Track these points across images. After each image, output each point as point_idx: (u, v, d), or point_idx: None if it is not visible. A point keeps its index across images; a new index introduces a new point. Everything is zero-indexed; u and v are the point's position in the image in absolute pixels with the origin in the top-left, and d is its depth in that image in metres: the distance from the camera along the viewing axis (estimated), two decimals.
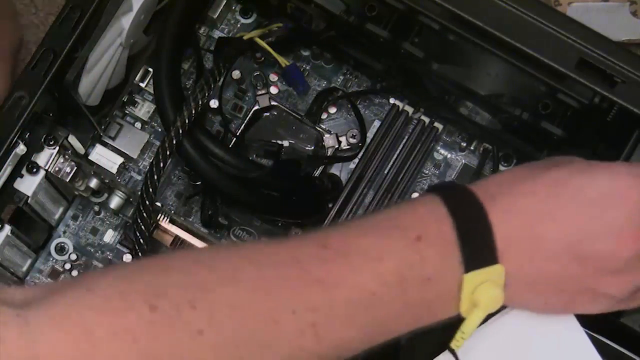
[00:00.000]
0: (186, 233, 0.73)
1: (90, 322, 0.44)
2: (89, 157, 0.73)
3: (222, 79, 0.72)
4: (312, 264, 0.49)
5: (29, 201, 0.68)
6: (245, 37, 0.73)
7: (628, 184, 0.53)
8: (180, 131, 0.67)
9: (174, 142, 0.67)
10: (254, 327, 0.47)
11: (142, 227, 0.67)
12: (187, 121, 0.68)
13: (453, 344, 0.54)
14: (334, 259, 0.49)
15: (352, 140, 0.74)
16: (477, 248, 0.51)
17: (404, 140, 0.74)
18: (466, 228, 0.51)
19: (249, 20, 0.77)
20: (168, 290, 0.46)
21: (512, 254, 0.52)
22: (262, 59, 0.76)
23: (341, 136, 0.74)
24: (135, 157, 0.75)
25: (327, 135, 0.74)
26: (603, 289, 0.54)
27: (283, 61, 0.74)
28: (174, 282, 0.47)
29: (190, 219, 0.75)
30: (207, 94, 0.69)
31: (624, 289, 0.54)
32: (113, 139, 0.74)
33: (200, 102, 0.68)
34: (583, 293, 0.55)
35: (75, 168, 0.69)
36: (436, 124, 0.74)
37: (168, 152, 0.67)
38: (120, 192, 0.74)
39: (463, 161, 0.75)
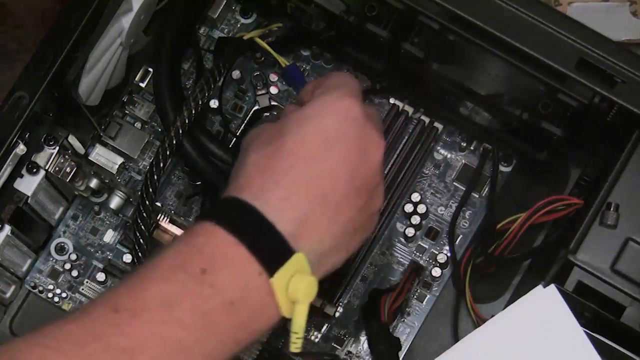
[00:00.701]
0: None
1: None
2: (89, 157, 0.73)
3: (222, 79, 0.72)
4: (112, 334, 0.47)
5: (29, 201, 0.68)
6: (245, 37, 0.73)
7: (346, 105, 0.56)
8: (180, 131, 0.67)
9: (174, 142, 0.67)
10: None
11: (142, 227, 0.67)
12: (187, 121, 0.68)
13: (292, 348, 0.54)
14: (129, 322, 0.48)
15: None
16: (270, 250, 0.51)
17: (404, 140, 0.74)
18: (250, 238, 0.51)
19: (249, 20, 0.77)
20: None
21: (304, 234, 0.53)
22: (262, 59, 0.76)
23: None
24: (135, 157, 0.75)
25: None
26: (377, 205, 0.58)
27: (283, 61, 0.74)
28: None
29: (190, 219, 0.75)
30: (207, 94, 0.69)
31: (383, 192, 0.59)
32: (113, 139, 0.74)
33: (200, 102, 0.68)
34: (367, 221, 0.58)
35: (75, 168, 0.69)
36: (436, 124, 0.74)
37: (168, 152, 0.67)
38: (120, 192, 0.74)
39: (463, 161, 0.75)
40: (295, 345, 0.54)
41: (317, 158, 0.54)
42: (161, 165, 0.67)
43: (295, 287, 0.52)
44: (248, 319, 0.51)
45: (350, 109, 0.56)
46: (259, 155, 0.55)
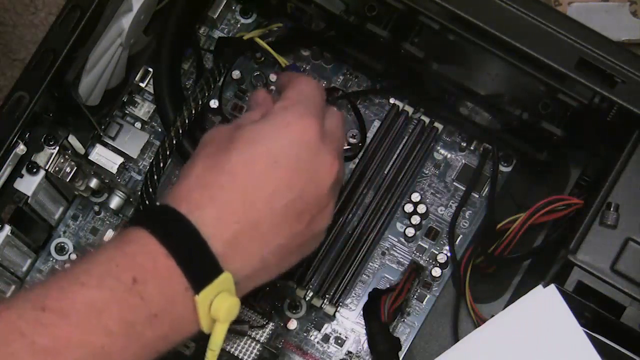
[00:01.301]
0: None
1: None
2: (89, 157, 0.73)
3: (222, 79, 0.72)
4: (36, 332, 0.47)
5: (29, 201, 0.68)
6: (245, 37, 0.73)
7: (301, 128, 0.56)
8: (180, 131, 0.67)
9: (174, 142, 0.67)
10: None
11: None
12: (187, 121, 0.68)
13: None
14: (55, 323, 0.47)
15: (352, 140, 0.74)
16: (199, 267, 0.51)
17: (404, 140, 0.74)
18: (182, 253, 0.51)
19: (249, 20, 0.77)
20: None
21: (234, 255, 0.53)
22: (262, 59, 0.76)
23: None
24: (135, 157, 0.75)
25: None
26: (321, 227, 0.58)
27: (283, 61, 0.74)
28: None
29: None
30: (207, 94, 0.69)
31: (332, 213, 0.59)
32: (113, 139, 0.75)
33: (200, 102, 0.68)
34: (307, 243, 0.58)
35: (75, 168, 0.69)
36: (436, 124, 0.74)
37: (168, 152, 0.67)
38: (120, 192, 0.74)
39: (463, 161, 0.75)
40: None
41: (258, 181, 0.54)
42: (161, 165, 0.67)
43: (217, 307, 0.52)
44: (169, 331, 0.51)
45: (305, 132, 0.56)
46: (204, 166, 0.55)
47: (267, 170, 0.55)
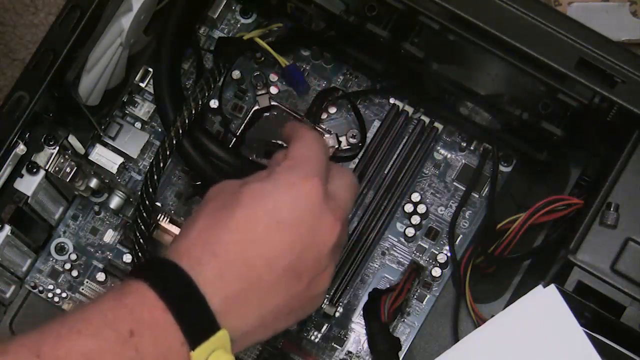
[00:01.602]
0: None
1: None
2: (89, 157, 0.73)
3: (222, 79, 0.72)
4: None
5: (29, 201, 0.68)
6: (245, 37, 0.73)
7: (306, 190, 0.56)
8: (180, 131, 0.67)
9: (174, 142, 0.67)
10: None
11: (142, 227, 0.67)
12: (187, 121, 0.68)
13: None
14: None
15: (352, 140, 0.74)
16: (196, 323, 0.51)
17: (404, 140, 0.74)
18: (180, 308, 0.51)
19: (249, 20, 0.77)
20: None
21: (234, 312, 0.53)
22: (262, 59, 0.76)
23: (341, 136, 0.74)
24: (135, 157, 0.75)
25: (327, 135, 0.74)
26: (320, 289, 0.58)
27: (283, 61, 0.74)
28: None
29: None
30: (207, 94, 0.69)
31: (331, 275, 0.59)
32: (113, 139, 0.75)
33: (200, 102, 0.68)
34: (306, 302, 0.58)
35: (75, 168, 0.69)
36: (436, 124, 0.74)
37: (168, 152, 0.67)
38: (120, 192, 0.74)
39: (463, 161, 0.75)
40: None
41: (260, 241, 0.55)
42: (161, 165, 0.67)
43: None
44: None
45: (309, 194, 0.56)
46: (207, 221, 0.56)
47: (269, 231, 0.55)
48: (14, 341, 0.49)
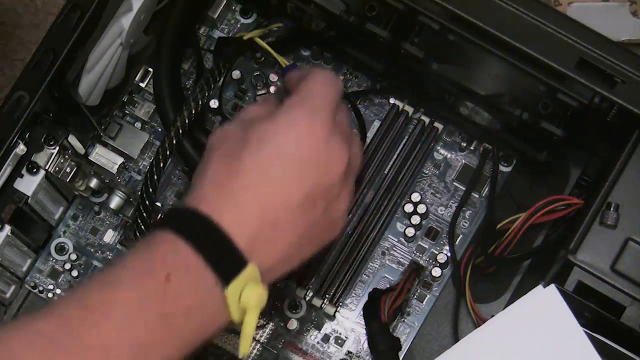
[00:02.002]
0: None
1: None
2: (89, 157, 0.73)
3: (222, 79, 0.72)
4: (82, 330, 0.49)
5: (29, 201, 0.68)
6: (245, 37, 0.73)
7: (310, 125, 0.57)
8: (180, 131, 0.67)
9: (174, 142, 0.67)
10: None
11: (142, 227, 0.67)
12: (187, 121, 0.68)
13: (241, 353, 0.55)
14: (99, 321, 0.50)
15: None
16: (226, 262, 0.53)
17: (404, 140, 0.74)
18: (207, 249, 0.53)
19: (249, 20, 0.77)
20: None
21: (258, 250, 0.55)
22: (262, 59, 0.76)
23: None
24: (135, 157, 0.75)
25: None
26: (337, 214, 0.60)
27: (283, 61, 0.74)
28: None
29: None
30: (207, 94, 0.69)
31: (348, 199, 0.60)
32: (113, 139, 0.75)
33: (200, 102, 0.68)
34: (325, 229, 0.60)
35: (75, 168, 0.69)
36: (436, 124, 0.74)
37: (168, 152, 0.67)
38: (120, 192, 0.74)
39: (463, 161, 0.75)
40: (244, 350, 0.55)
41: (271, 181, 0.56)
42: (161, 165, 0.67)
43: (247, 297, 0.54)
44: (202, 324, 0.53)
45: (314, 129, 0.57)
46: (217, 168, 0.57)
47: (278, 170, 0.56)
48: (61, 298, 0.52)
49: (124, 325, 0.50)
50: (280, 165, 0.56)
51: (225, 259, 0.54)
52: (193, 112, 0.68)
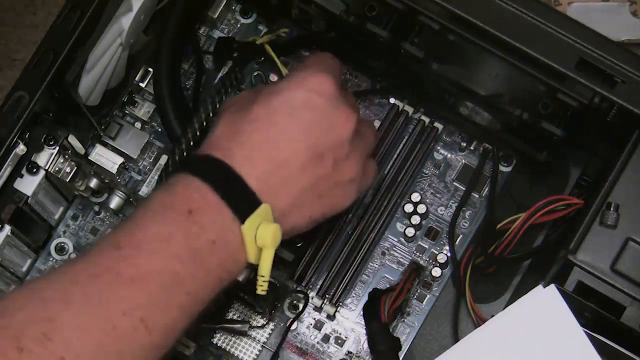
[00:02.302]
0: None
1: None
2: (89, 157, 0.73)
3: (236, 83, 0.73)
4: (120, 265, 0.52)
5: (29, 201, 0.68)
6: (257, 42, 0.74)
7: (318, 81, 0.61)
8: (198, 133, 0.68)
9: (191, 143, 0.68)
10: (100, 339, 0.50)
11: None
12: (203, 123, 0.68)
13: (259, 290, 0.58)
14: (133, 254, 0.53)
15: None
16: (240, 200, 0.57)
17: (404, 140, 0.74)
18: (224, 188, 0.56)
19: (249, 20, 0.78)
20: (25, 330, 0.49)
21: (268, 191, 0.58)
22: (262, 59, 0.76)
23: None
24: (135, 157, 0.75)
25: None
26: (346, 176, 0.62)
27: (285, 71, 0.75)
28: (26, 320, 0.49)
29: None
30: (223, 98, 0.70)
31: (357, 166, 0.63)
32: (113, 139, 0.75)
33: (217, 106, 0.69)
34: (334, 189, 0.62)
35: (75, 168, 0.69)
36: (436, 124, 0.74)
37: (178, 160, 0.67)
38: (120, 192, 0.74)
39: (463, 161, 0.75)
40: (262, 287, 0.58)
41: (280, 125, 0.59)
42: (170, 169, 0.67)
43: (262, 234, 0.57)
44: (226, 259, 0.56)
45: (322, 85, 0.61)
46: (229, 120, 0.60)
47: (286, 118, 0.59)
48: (96, 243, 0.56)
49: (156, 257, 0.53)
50: (289, 114, 0.59)
51: (240, 198, 0.57)
52: (210, 114, 0.68)
